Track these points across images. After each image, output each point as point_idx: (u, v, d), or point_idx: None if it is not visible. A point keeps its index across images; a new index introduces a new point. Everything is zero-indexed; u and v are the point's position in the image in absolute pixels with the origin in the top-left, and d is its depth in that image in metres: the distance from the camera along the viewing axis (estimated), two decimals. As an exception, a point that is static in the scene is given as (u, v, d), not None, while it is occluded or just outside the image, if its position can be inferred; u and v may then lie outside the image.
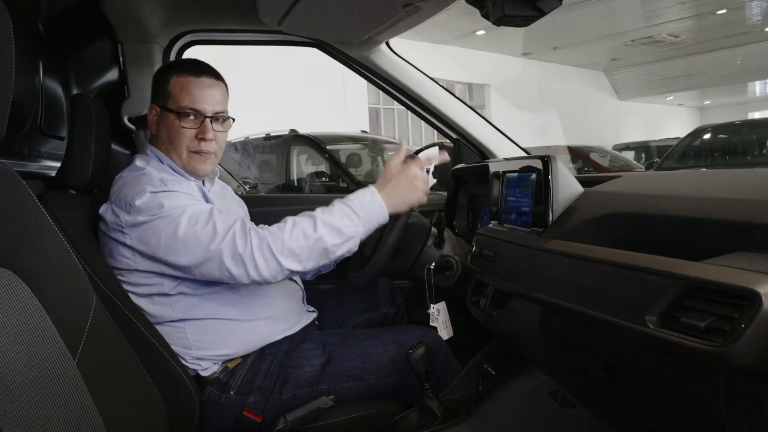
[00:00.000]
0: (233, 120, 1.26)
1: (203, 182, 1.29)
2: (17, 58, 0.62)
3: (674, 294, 0.66)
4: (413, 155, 1.22)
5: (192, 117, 1.19)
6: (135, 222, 1.08)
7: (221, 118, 1.22)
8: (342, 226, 1.08)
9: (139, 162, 1.22)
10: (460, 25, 11.13)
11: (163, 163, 1.22)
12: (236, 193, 1.52)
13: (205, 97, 1.19)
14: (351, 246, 1.11)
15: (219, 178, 1.37)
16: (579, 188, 1.08)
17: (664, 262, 0.70)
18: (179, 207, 1.08)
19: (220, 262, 1.05)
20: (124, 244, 1.10)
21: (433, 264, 1.38)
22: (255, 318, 1.21)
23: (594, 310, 0.78)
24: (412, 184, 1.15)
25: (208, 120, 1.19)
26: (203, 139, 1.19)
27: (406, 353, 1.14)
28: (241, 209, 1.47)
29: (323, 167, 5.62)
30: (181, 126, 1.18)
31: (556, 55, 14.54)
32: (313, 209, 1.59)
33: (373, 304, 1.55)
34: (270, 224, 1.57)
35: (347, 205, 1.10)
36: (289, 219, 1.10)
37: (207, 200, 1.19)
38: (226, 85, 1.27)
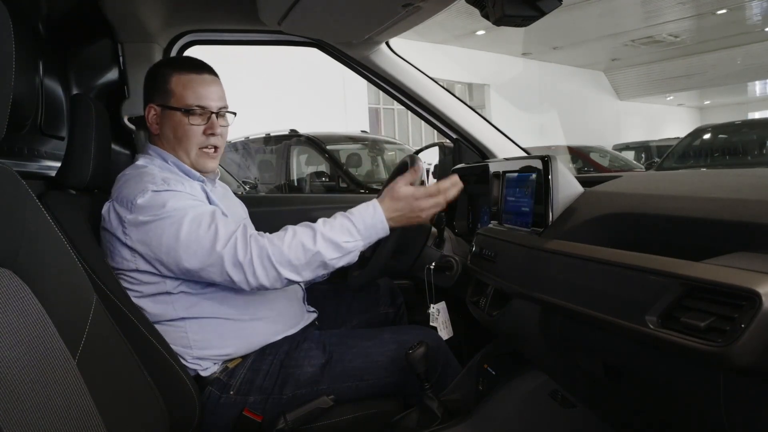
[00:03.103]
0: (234, 114, 1.28)
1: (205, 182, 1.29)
2: (17, 58, 0.62)
3: (674, 294, 0.66)
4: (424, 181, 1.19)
5: (199, 114, 1.21)
6: (137, 221, 1.08)
7: (224, 112, 1.26)
8: (341, 241, 1.09)
9: (141, 161, 1.22)
10: (460, 25, 11.12)
11: (167, 162, 1.22)
12: (236, 194, 1.52)
13: (209, 93, 1.22)
14: (350, 259, 1.13)
15: (219, 178, 1.37)
16: (579, 188, 1.08)
17: (664, 262, 0.69)
18: (182, 208, 1.09)
19: (221, 267, 1.07)
20: (125, 245, 1.10)
21: (433, 264, 1.38)
22: (255, 318, 1.21)
23: (594, 310, 0.78)
24: (418, 213, 1.16)
25: (214, 115, 1.22)
26: (212, 134, 1.22)
27: (406, 353, 1.14)
28: (243, 210, 1.47)
29: (323, 167, 5.62)
30: (190, 123, 1.20)
31: (556, 55, 14.54)
32: (312, 209, 1.59)
33: (373, 304, 1.55)
34: (270, 225, 1.57)
35: (348, 219, 1.12)
36: (290, 229, 1.11)
37: (210, 201, 1.19)
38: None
